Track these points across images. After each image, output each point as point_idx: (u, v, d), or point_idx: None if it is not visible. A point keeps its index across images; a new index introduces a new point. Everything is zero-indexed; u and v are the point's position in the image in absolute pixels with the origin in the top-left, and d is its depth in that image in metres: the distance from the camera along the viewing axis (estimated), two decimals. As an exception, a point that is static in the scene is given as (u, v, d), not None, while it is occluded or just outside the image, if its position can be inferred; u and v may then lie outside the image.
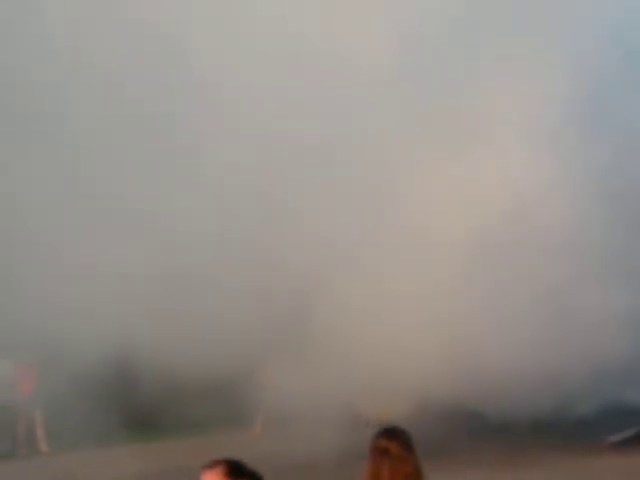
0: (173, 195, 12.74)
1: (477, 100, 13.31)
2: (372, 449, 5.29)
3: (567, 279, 13.14)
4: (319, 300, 12.94)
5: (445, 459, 11.22)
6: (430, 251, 12.92)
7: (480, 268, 12.98)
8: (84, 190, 12.91)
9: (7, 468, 13.51)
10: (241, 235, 12.77)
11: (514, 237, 13.02)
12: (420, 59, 12.82)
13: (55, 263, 12.66)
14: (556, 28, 13.55)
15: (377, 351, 12.73)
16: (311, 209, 12.85)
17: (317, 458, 11.99)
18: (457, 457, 12.46)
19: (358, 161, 13.02)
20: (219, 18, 12.56)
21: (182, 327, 12.71)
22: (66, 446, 13.94)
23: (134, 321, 12.36)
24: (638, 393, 14.11)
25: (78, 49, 12.38)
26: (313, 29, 12.53)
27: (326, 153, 12.90)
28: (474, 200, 13.04)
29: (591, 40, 13.58)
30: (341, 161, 13.06)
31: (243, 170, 12.64)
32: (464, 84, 13.21)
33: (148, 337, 12.43)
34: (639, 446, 13.39)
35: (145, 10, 12.21)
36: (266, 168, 12.64)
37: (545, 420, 13.41)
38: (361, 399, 14.07)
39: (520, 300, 12.88)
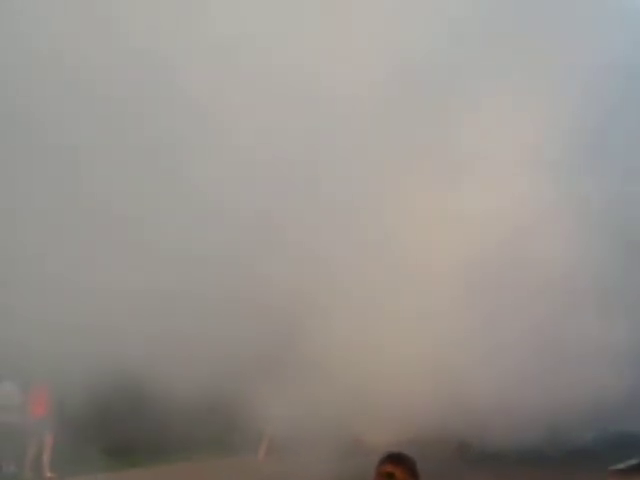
0: (158, 214, 12.80)
1: (475, 130, 13.40)
2: (377, 474, 5.36)
3: (564, 310, 13.20)
4: (310, 323, 12.98)
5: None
6: (422, 276, 12.96)
7: (474, 296, 13.02)
8: (83, 210, 12.98)
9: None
10: (239, 257, 12.83)
11: (510, 266, 13.09)
12: (415, 86, 12.93)
13: (54, 284, 12.70)
14: (558, 58, 13.66)
15: (368, 377, 12.76)
16: (303, 234, 12.94)
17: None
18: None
19: (344, 184, 13.09)
20: (211, 44, 12.72)
21: (176, 349, 12.70)
22: (68, 471, 13.87)
23: (129, 343, 12.38)
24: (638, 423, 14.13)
25: (79, 70, 12.56)
26: (300, 60, 12.68)
27: (313, 175, 12.99)
28: (468, 227, 13.08)
29: (594, 70, 13.68)
30: (328, 183, 13.12)
31: (234, 193, 12.74)
32: (461, 112, 13.28)
33: (143, 359, 12.45)
34: (640, 475, 13.43)
35: (142, 35, 12.41)
36: (257, 190, 12.77)
37: (544, 449, 13.41)
38: (353, 424, 14.02)
39: (517, 330, 12.93)
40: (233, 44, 12.77)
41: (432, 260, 13.00)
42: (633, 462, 14.08)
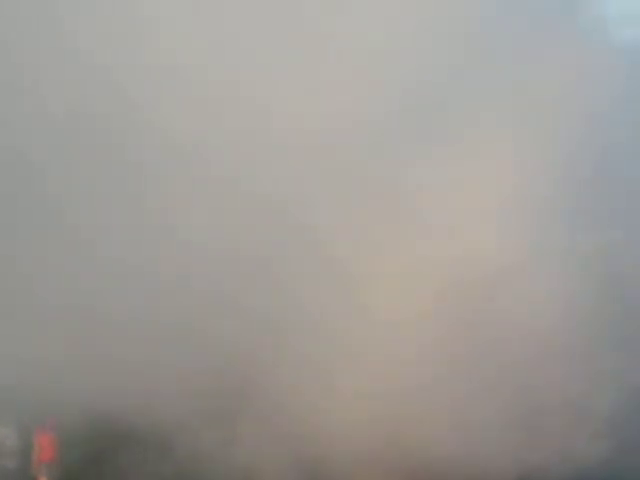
0: (150, 251, 13.16)
1: (469, 171, 13.43)
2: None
3: (535, 362, 13.14)
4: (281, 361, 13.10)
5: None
6: (390, 324, 13.05)
7: (444, 344, 13.04)
8: (66, 249, 13.44)
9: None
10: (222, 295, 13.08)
11: (482, 316, 13.12)
12: (386, 135, 13.24)
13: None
14: (545, 103, 13.70)
15: (333, 417, 12.85)
16: (283, 273, 13.14)
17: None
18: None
19: (317, 231, 13.32)
20: (188, 90, 13.23)
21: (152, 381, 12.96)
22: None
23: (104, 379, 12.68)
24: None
25: (77, 125, 13.07)
26: (280, 108, 13.14)
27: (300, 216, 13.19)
28: (439, 276, 13.18)
29: (590, 111, 13.56)
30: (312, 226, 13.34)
31: (219, 232, 13.21)
32: (450, 150, 13.44)
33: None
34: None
35: (124, 77, 13.06)
36: (238, 230, 13.07)
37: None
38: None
39: (485, 382, 12.90)
40: (217, 87, 13.18)
41: (401, 307, 13.09)
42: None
